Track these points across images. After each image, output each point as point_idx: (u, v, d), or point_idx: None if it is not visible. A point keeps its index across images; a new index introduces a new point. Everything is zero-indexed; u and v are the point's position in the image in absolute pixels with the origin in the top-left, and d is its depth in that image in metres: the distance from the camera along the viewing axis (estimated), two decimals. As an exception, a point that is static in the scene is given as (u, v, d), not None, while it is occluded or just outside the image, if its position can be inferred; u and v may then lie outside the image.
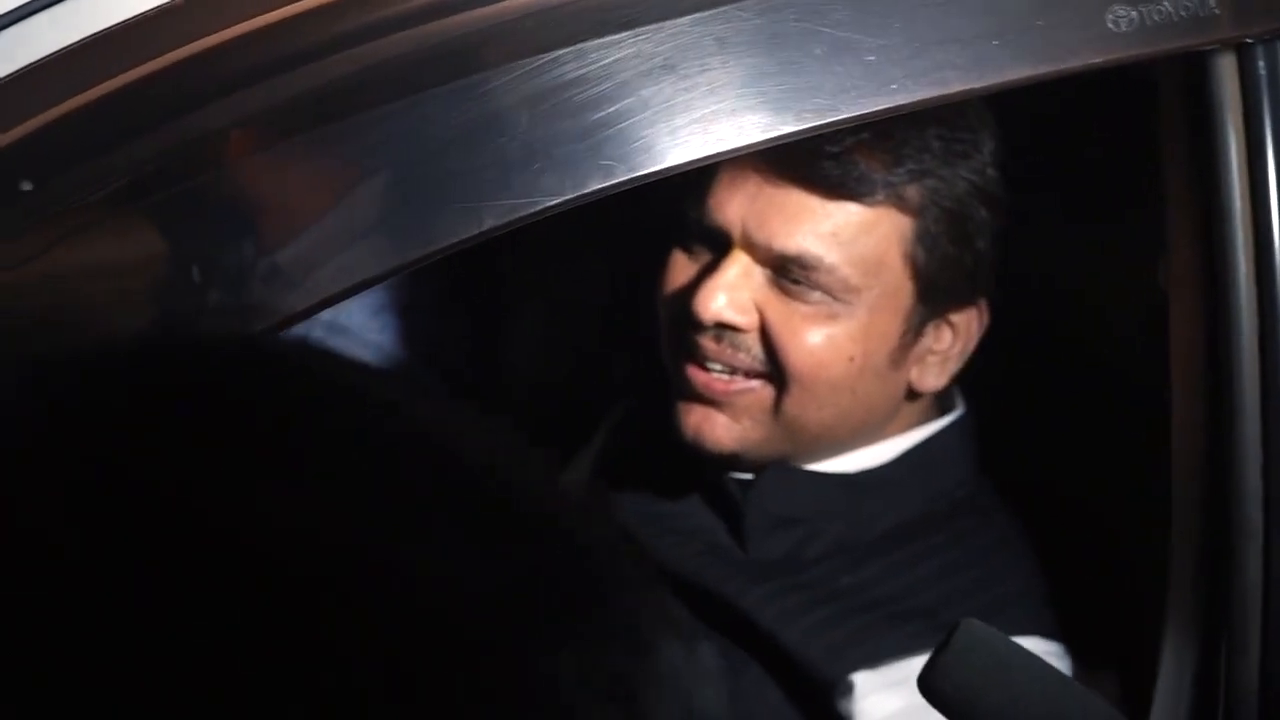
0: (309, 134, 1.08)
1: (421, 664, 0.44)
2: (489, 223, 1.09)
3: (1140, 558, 1.52)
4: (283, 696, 0.42)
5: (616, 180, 1.12)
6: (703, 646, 0.51)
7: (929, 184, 1.56)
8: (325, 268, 1.09)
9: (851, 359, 1.58)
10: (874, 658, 1.55)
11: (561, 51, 1.10)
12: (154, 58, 1.05)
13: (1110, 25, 1.22)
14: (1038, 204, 1.66)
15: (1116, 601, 1.59)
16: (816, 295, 1.56)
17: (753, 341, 1.58)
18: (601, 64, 1.11)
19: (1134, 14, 1.23)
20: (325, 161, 1.09)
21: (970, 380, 1.73)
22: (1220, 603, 1.42)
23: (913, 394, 1.65)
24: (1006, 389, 1.76)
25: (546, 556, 0.49)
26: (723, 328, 1.58)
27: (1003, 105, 1.59)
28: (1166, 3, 1.24)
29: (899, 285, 1.58)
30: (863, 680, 1.55)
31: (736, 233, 1.58)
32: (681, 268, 1.63)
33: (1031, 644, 1.36)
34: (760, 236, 1.56)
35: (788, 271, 1.56)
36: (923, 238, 1.57)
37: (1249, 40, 1.30)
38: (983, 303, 1.63)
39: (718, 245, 1.60)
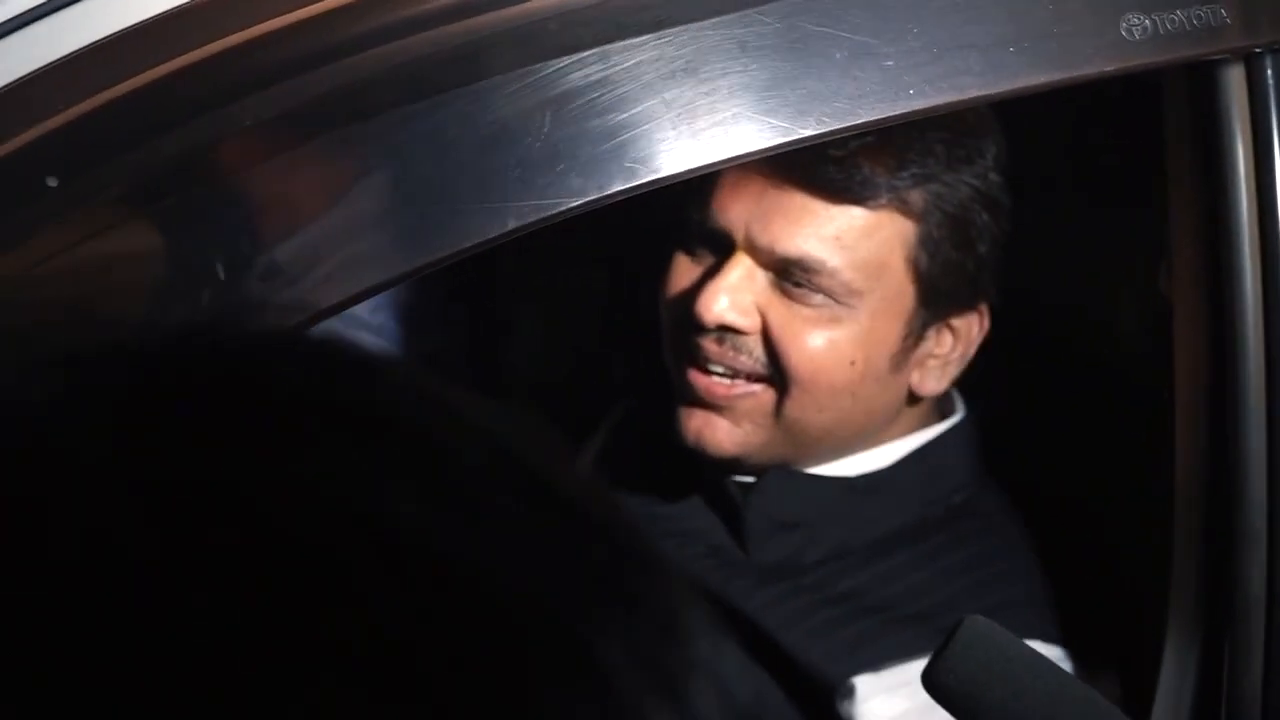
0: (334, 133, 1.08)
1: (483, 653, 0.44)
2: (513, 223, 1.09)
3: (1142, 561, 1.53)
4: (344, 685, 0.42)
5: (639, 182, 1.12)
6: (726, 635, 0.52)
7: (932, 188, 1.57)
8: (349, 265, 1.08)
9: (853, 362, 1.59)
10: (875, 661, 1.56)
11: (585, 54, 1.11)
12: (180, 55, 1.05)
13: (1125, 34, 1.23)
14: (1041, 208, 1.67)
15: (1118, 605, 1.60)
16: (819, 298, 1.57)
17: (754, 344, 1.59)
18: (624, 66, 1.12)
19: (1148, 23, 1.24)
20: (351, 160, 1.09)
21: (972, 384, 1.74)
22: (1223, 607, 1.42)
23: (913, 398, 1.66)
24: (1008, 393, 1.77)
25: (593, 543, 0.50)
26: (725, 330, 1.59)
27: (1008, 109, 1.60)
28: (1179, 12, 1.25)
29: (901, 289, 1.58)
30: (864, 684, 1.56)
31: (739, 235, 1.58)
32: (684, 270, 1.64)
33: (1034, 648, 1.37)
34: (763, 239, 1.56)
35: (790, 274, 1.56)
36: (925, 242, 1.57)
37: (1258, 50, 1.32)
38: (984, 307, 1.64)
39: (720, 247, 1.60)
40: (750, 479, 1.67)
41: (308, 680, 0.42)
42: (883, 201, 1.55)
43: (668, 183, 1.13)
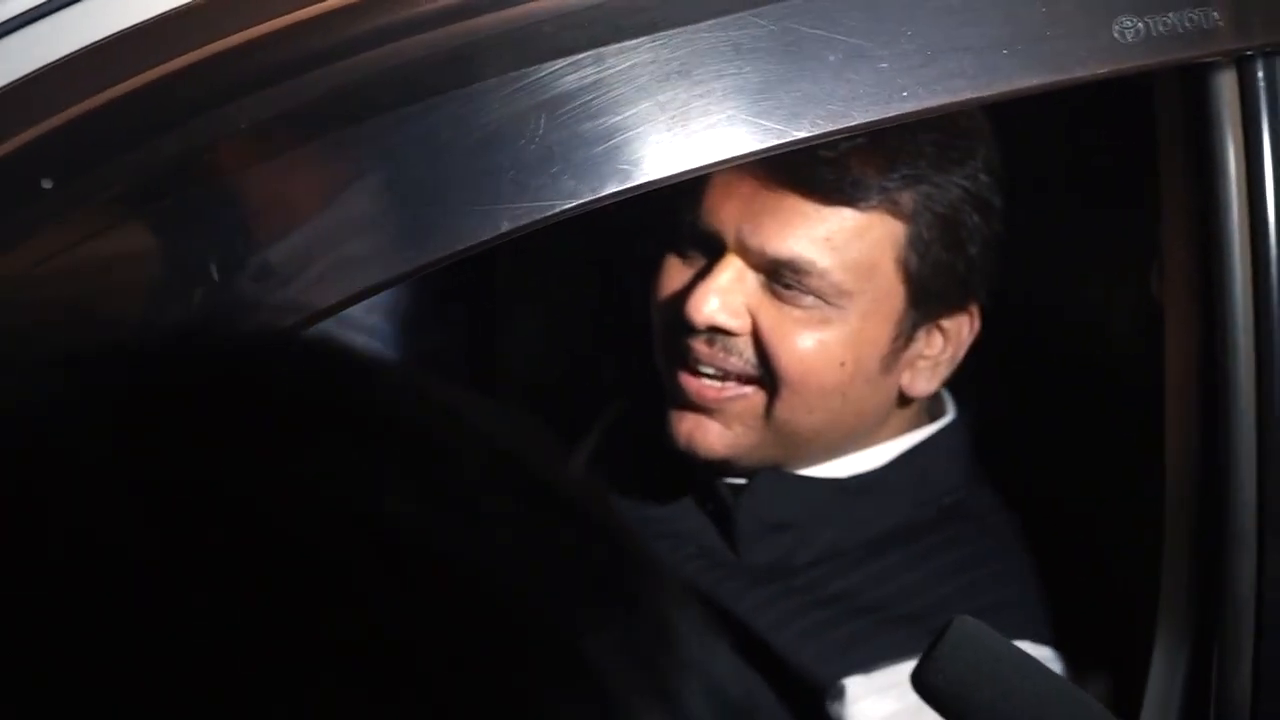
0: (329, 135, 1.08)
1: (480, 654, 0.44)
2: (506, 225, 1.09)
3: (1133, 563, 1.53)
4: (342, 685, 0.42)
5: (633, 184, 1.12)
6: (719, 637, 0.52)
7: (922, 190, 1.57)
8: (344, 267, 1.08)
9: (843, 364, 1.59)
10: (866, 663, 1.56)
11: (579, 56, 1.11)
12: (175, 57, 1.05)
13: (1117, 36, 1.23)
14: (1033, 210, 1.67)
15: (1109, 606, 1.60)
16: (809, 300, 1.57)
17: (745, 345, 1.59)
18: (619, 69, 1.12)
19: (1140, 25, 1.24)
20: (345, 162, 1.09)
21: (963, 385, 1.74)
22: (1212, 608, 1.43)
23: (904, 399, 1.66)
24: (999, 394, 1.77)
25: (588, 544, 0.50)
26: (715, 331, 1.59)
27: (1001, 111, 1.60)
28: (1171, 14, 1.25)
29: (891, 290, 1.59)
30: (855, 685, 1.56)
31: (730, 237, 1.58)
32: (675, 272, 1.64)
33: (1024, 649, 1.37)
34: (754, 241, 1.57)
35: (781, 276, 1.57)
36: (915, 243, 1.58)
37: (1249, 52, 1.32)
38: (974, 308, 1.64)
39: (711, 249, 1.60)
40: (741, 481, 1.67)
41: (307, 680, 0.42)
42: (873, 203, 1.56)
43: (661, 185, 1.14)
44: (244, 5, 1.06)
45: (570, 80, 1.10)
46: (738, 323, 1.58)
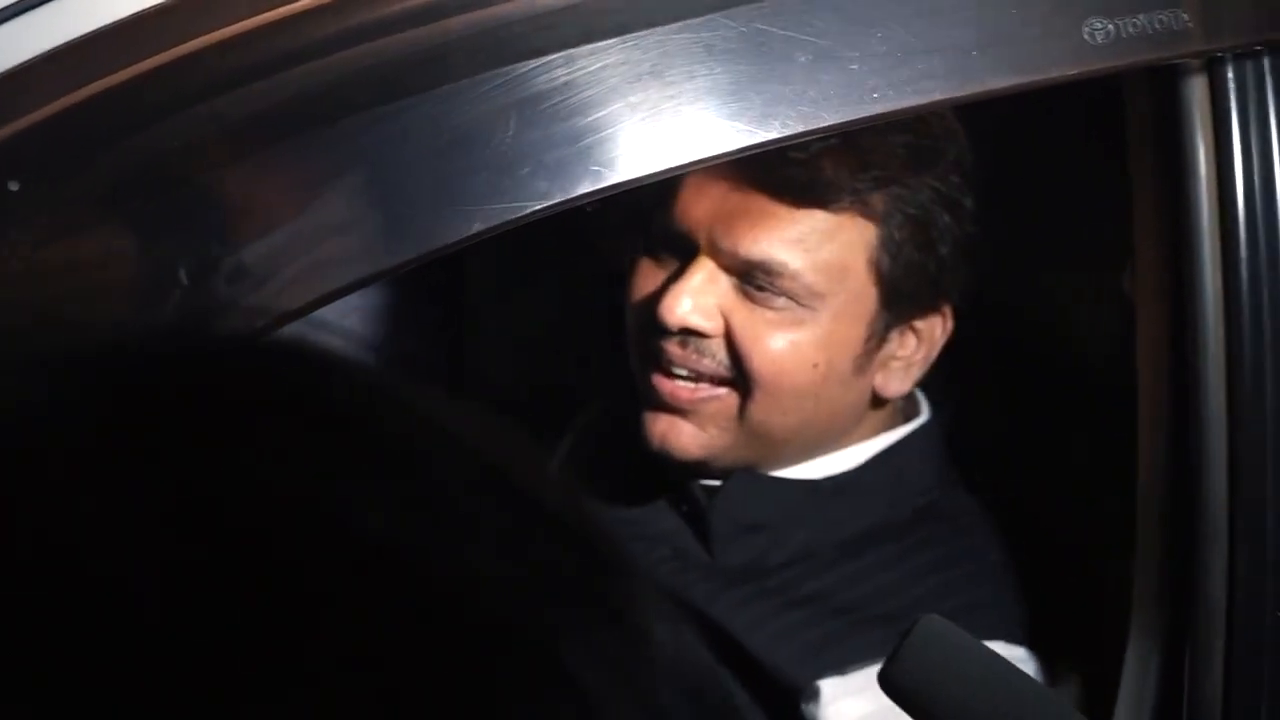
0: (299, 136, 1.08)
1: (452, 662, 0.44)
2: (478, 226, 1.09)
3: (1106, 563, 1.54)
4: (311, 694, 0.42)
5: (605, 185, 1.12)
6: (696, 639, 0.52)
7: (894, 191, 1.57)
8: (314, 269, 1.08)
9: (815, 365, 1.59)
10: (840, 663, 1.56)
11: (551, 57, 1.11)
12: (145, 58, 1.04)
13: (1087, 38, 1.24)
14: (1004, 210, 1.68)
15: (1082, 607, 1.61)
16: (781, 301, 1.57)
17: (718, 347, 1.59)
18: (590, 70, 1.12)
19: (1110, 27, 1.24)
20: (315, 164, 1.09)
21: (937, 386, 1.74)
22: (1184, 608, 1.43)
23: (877, 400, 1.66)
24: (973, 395, 1.77)
25: (565, 549, 0.50)
26: (687, 333, 1.59)
27: (973, 112, 1.60)
28: (1141, 16, 1.26)
29: (863, 291, 1.59)
30: (829, 686, 1.56)
31: (702, 238, 1.58)
32: (648, 273, 1.64)
33: (997, 649, 1.37)
34: (726, 242, 1.57)
35: (753, 278, 1.57)
36: (887, 244, 1.58)
37: (1219, 54, 1.32)
38: (947, 309, 1.64)
39: (684, 251, 1.60)
40: (715, 482, 1.67)
41: (273, 691, 0.42)
42: (845, 204, 1.56)
43: (633, 186, 1.14)
44: (214, 6, 1.06)
45: (541, 81, 1.10)
46: (710, 324, 1.58)
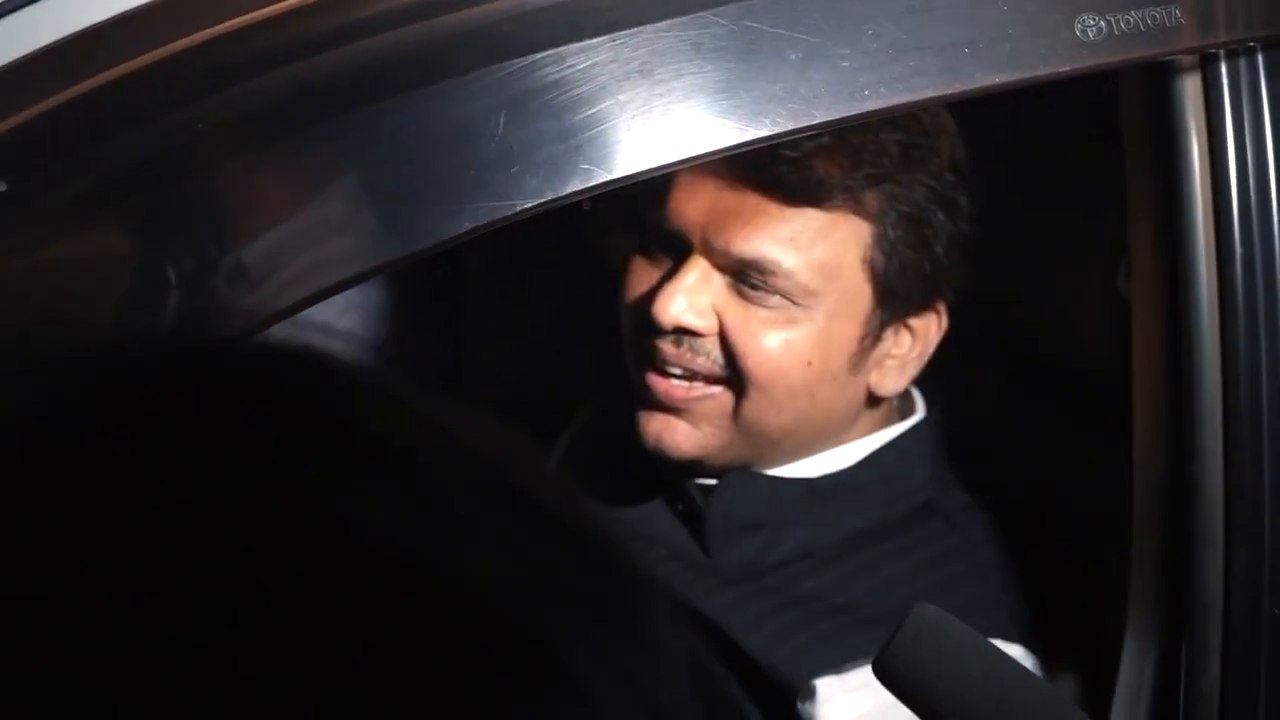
0: (289, 135, 1.08)
1: (454, 664, 0.44)
2: (468, 224, 1.09)
3: (1103, 560, 1.53)
4: (312, 697, 0.42)
5: (594, 183, 1.12)
6: (693, 632, 0.52)
7: (887, 189, 1.57)
8: (304, 268, 1.08)
9: (810, 364, 1.59)
10: (837, 662, 1.56)
11: (540, 55, 1.10)
12: (135, 57, 1.04)
13: (1079, 34, 1.24)
14: (999, 208, 1.68)
15: (1079, 604, 1.60)
16: (775, 300, 1.57)
17: (712, 346, 1.59)
18: (580, 68, 1.11)
19: (1102, 24, 1.24)
20: (305, 162, 1.09)
21: (932, 384, 1.74)
22: (1181, 606, 1.43)
23: (873, 398, 1.66)
24: (968, 393, 1.77)
25: (567, 550, 0.49)
26: (682, 332, 1.59)
27: (967, 110, 1.60)
28: (1134, 13, 1.25)
29: (857, 290, 1.59)
30: (826, 685, 1.56)
31: (696, 237, 1.58)
32: (641, 272, 1.64)
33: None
34: (719, 241, 1.57)
35: (746, 276, 1.57)
36: (881, 242, 1.58)
37: (1212, 51, 1.32)
38: (942, 306, 1.64)
39: (677, 250, 1.60)
40: (711, 481, 1.67)
41: (274, 692, 0.42)
42: (837, 202, 1.56)
43: (623, 184, 1.13)
44: (202, 5, 1.06)
45: (531, 79, 1.10)
46: (704, 323, 1.58)
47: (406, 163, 1.08)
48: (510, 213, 1.10)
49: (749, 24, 1.14)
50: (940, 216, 1.59)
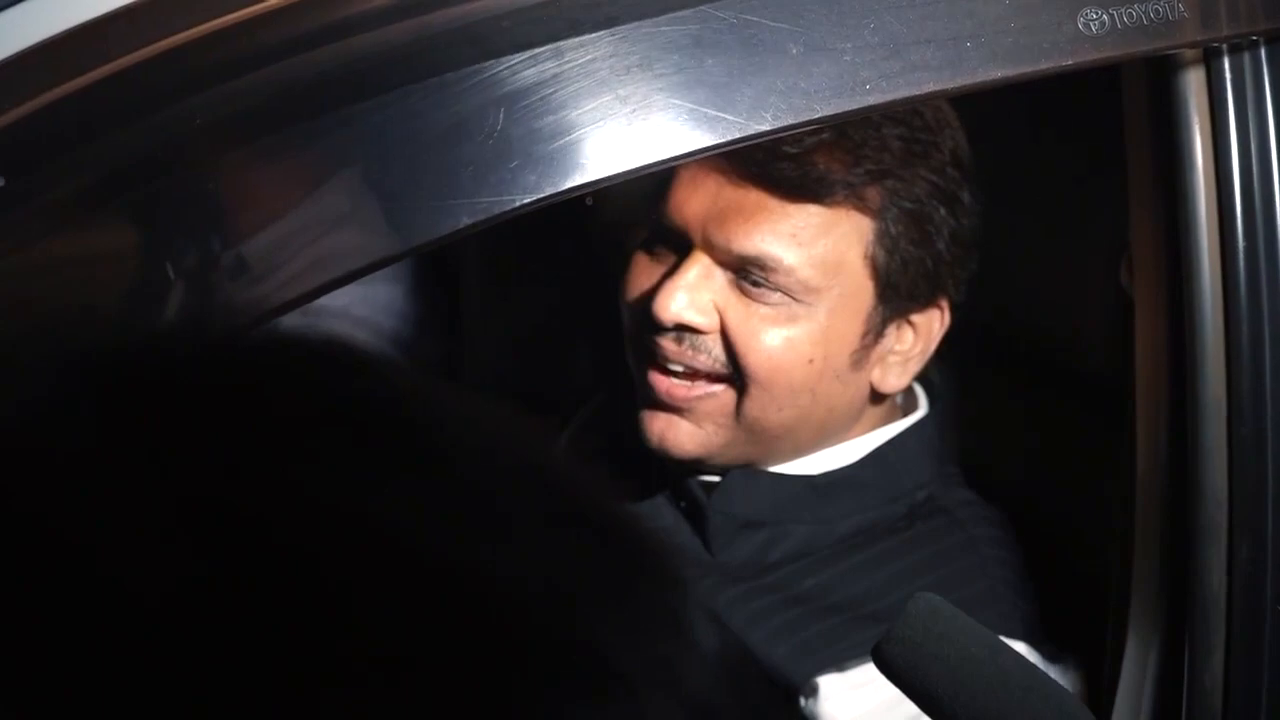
0: (286, 130, 1.07)
1: (484, 656, 0.44)
2: (466, 220, 1.09)
3: (1105, 557, 1.53)
4: (342, 690, 0.42)
5: (594, 178, 1.11)
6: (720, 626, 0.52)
7: (889, 184, 1.57)
8: (301, 264, 1.08)
9: (811, 361, 1.58)
10: (839, 659, 1.56)
11: (538, 50, 1.10)
12: (129, 53, 1.04)
13: (1082, 28, 1.23)
14: (1001, 203, 1.67)
15: (1081, 601, 1.60)
16: (776, 296, 1.56)
17: (713, 343, 1.58)
18: (578, 62, 1.11)
19: (1105, 17, 1.23)
20: (302, 157, 1.09)
21: (934, 379, 1.74)
22: (1183, 603, 1.42)
23: (876, 395, 1.66)
24: (971, 388, 1.77)
25: (589, 537, 0.49)
26: (682, 329, 1.58)
27: (969, 104, 1.60)
28: (1137, 6, 1.25)
29: (859, 286, 1.58)
30: (828, 682, 1.55)
31: (697, 234, 1.58)
32: (643, 269, 1.63)
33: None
34: (720, 238, 1.56)
35: (747, 273, 1.56)
36: (883, 238, 1.57)
37: (1216, 44, 1.32)
38: (944, 303, 1.64)
39: (678, 246, 1.60)
40: (713, 479, 1.66)
41: (305, 691, 0.41)
42: (839, 198, 1.55)
43: (622, 179, 1.13)
44: (197, 1, 1.05)
45: (529, 74, 1.10)
46: (705, 320, 1.57)
47: (404, 158, 1.08)
48: (509, 208, 1.09)
49: (749, 18, 1.14)
50: (943, 212, 1.58)
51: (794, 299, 1.56)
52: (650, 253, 1.63)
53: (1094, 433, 1.65)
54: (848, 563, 1.63)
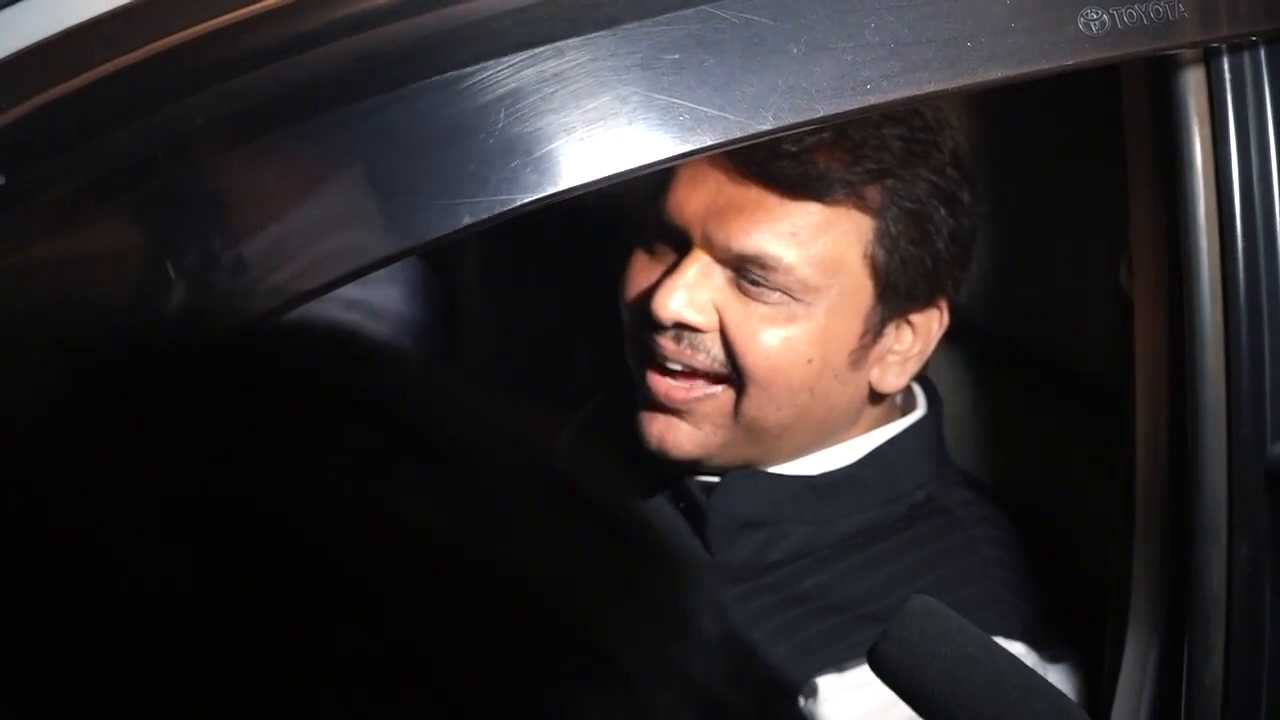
0: (289, 129, 1.07)
1: (492, 648, 0.44)
2: (467, 219, 1.09)
3: (1104, 557, 1.53)
4: (350, 683, 0.42)
5: (595, 178, 1.11)
6: (733, 619, 0.52)
7: (889, 184, 1.57)
8: (302, 263, 1.08)
9: (810, 360, 1.58)
10: (839, 660, 1.55)
11: (539, 50, 1.10)
12: (130, 51, 1.04)
13: (1083, 28, 1.23)
14: (1001, 203, 1.67)
15: (1081, 601, 1.60)
16: (775, 296, 1.56)
17: (712, 342, 1.58)
18: (579, 62, 1.11)
19: (1105, 17, 1.24)
20: (304, 156, 1.08)
21: (933, 379, 1.74)
22: (1183, 602, 1.42)
23: (874, 395, 1.66)
24: (970, 388, 1.77)
25: (599, 533, 0.49)
26: (681, 328, 1.58)
27: (968, 103, 1.60)
28: (1137, 6, 1.25)
29: (859, 285, 1.58)
30: (827, 683, 1.55)
31: (696, 232, 1.58)
32: (642, 267, 1.63)
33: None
34: (719, 236, 1.56)
35: (747, 271, 1.56)
36: (882, 238, 1.57)
37: (1215, 44, 1.32)
38: (943, 303, 1.64)
39: (678, 244, 1.60)
40: (713, 479, 1.66)
41: (313, 676, 0.41)
42: (839, 197, 1.55)
43: (623, 179, 1.13)
44: (194, 1, 1.05)
45: (530, 74, 1.10)
46: (703, 319, 1.57)
47: (405, 157, 1.08)
48: (510, 207, 1.09)
49: (751, 18, 1.14)
50: (942, 212, 1.58)
51: (793, 298, 1.56)
52: (649, 251, 1.63)
53: (1094, 433, 1.65)
54: (847, 563, 1.63)
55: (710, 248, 1.57)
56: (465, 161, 1.08)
